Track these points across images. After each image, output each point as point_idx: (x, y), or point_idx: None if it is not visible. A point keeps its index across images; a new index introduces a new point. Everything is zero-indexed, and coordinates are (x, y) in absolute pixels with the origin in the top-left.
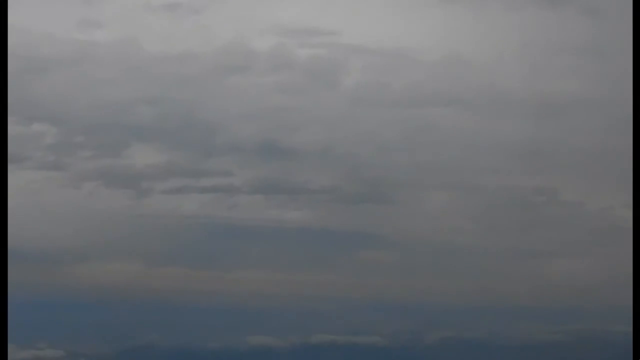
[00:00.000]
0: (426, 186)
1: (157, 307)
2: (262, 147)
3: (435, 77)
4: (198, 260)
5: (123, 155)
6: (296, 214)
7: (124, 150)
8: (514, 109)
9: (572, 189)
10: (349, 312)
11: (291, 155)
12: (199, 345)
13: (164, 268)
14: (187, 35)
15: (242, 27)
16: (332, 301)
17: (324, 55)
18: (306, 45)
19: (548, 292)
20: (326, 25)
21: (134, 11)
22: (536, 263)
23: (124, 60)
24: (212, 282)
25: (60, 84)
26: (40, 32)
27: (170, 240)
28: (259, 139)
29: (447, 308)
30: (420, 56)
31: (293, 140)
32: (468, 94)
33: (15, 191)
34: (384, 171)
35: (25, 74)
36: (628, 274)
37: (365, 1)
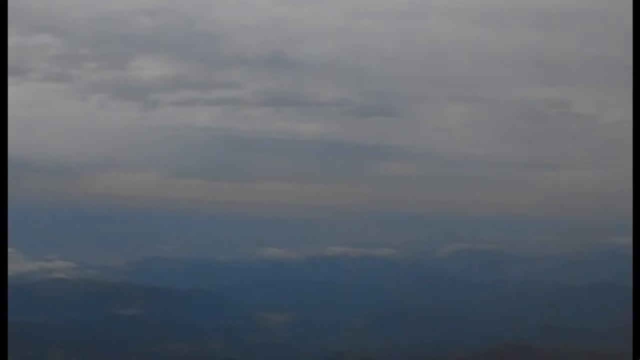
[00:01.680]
0: (437, 98)
1: (170, 218)
2: (268, 59)
3: None
4: (212, 172)
5: (128, 67)
6: (308, 126)
7: (128, 62)
8: (519, 19)
9: (585, 101)
10: (363, 224)
11: (298, 67)
12: (209, 258)
13: (178, 180)
14: None
15: None
16: (346, 213)
17: None
18: None
19: (562, 203)
20: None
21: None
22: (550, 175)
23: None
24: (226, 193)
25: None
26: None
27: (182, 152)
28: (264, 50)
29: (461, 220)
30: None
31: (298, 52)
32: (469, 3)
33: (22, 103)
34: (393, 83)
35: None
36: None
37: None
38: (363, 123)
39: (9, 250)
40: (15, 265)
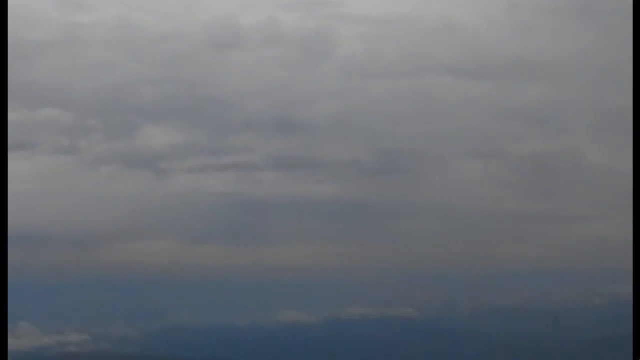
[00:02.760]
0: (448, 155)
1: (186, 285)
2: (275, 123)
3: (430, 44)
4: (227, 237)
5: (136, 136)
6: (321, 187)
7: (136, 131)
8: (518, 73)
9: (598, 151)
10: (380, 283)
11: (305, 129)
12: (227, 324)
13: (193, 247)
14: (172, 12)
15: (226, 2)
16: (363, 273)
17: (314, 26)
18: (295, 17)
19: (581, 255)
20: None
21: None
22: (567, 227)
23: (114, 41)
24: (242, 258)
25: (56, 67)
26: (23, 15)
27: (196, 218)
28: (271, 114)
29: (478, 275)
30: (412, 23)
31: (304, 114)
32: (465, 60)
33: (33, 177)
34: (402, 142)
35: (17, 59)
36: None
37: None
38: (375, 182)
39: (24, 324)
40: (30, 339)
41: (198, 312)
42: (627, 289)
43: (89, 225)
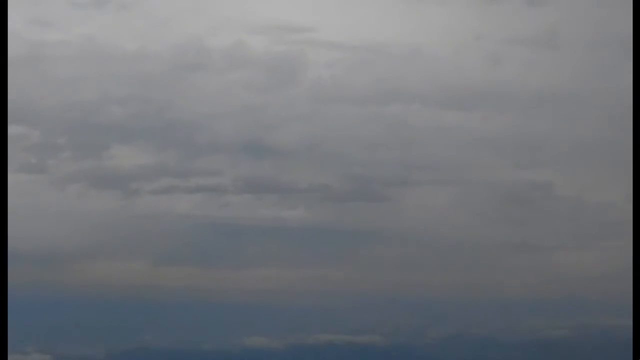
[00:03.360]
0: (418, 182)
1: (153, 307)
2: (244, 146)
3: (399, 72)
4: (195, 260)
5: (104, 156)
6: (290, 212)
7: (104, 151)
8: (490, 103)
9: (568, 183)
10: (348, 310)
11: (274, 153)
12: (192, 347)
13: (160, 268)
14: (140, 32)
15: (195, 24)
16: (331, 299)
17: (284, 51)
18: (265, 41)
19: (551, 286)
20: (286, 21)
21: (77, 10)
22: (537, 257)
23: (82, 60)
24: (210, 281)
25: (23, 85)
26: None
27: (165, 240)
28: (240, 137)
29: (448, 304)
30: (381, 51)
31: (274, 138)
32: (433, 89)
33: None
34: (372, 168)
35: None
36: (630, 267)
37: None
38: (345, 208)
39: None
40: None
41: (163, 334)
42: (595, 321)
43: (55, 244)
